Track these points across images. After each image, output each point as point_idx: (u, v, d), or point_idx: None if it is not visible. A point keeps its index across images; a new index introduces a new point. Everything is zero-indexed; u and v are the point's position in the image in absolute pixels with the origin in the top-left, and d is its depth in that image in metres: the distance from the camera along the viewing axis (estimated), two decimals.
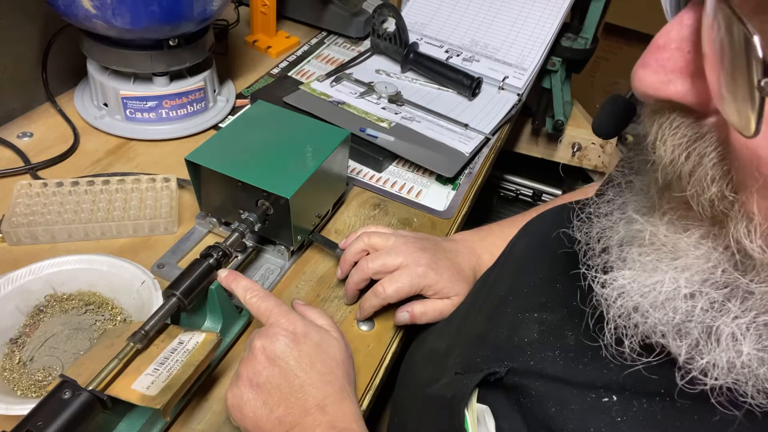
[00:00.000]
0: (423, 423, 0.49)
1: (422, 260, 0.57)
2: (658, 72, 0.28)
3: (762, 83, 0.22)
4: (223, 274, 0.54)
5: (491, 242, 0.64)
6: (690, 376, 0.30)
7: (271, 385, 0.45)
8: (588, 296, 0.36)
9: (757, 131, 0.24)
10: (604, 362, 0.36)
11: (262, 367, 0.46)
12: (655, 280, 0.31)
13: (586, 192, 0.68)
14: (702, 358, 0.29)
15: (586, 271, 0.36)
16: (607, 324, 0.34)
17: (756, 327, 0.28)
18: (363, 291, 0.60)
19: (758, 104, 0.23)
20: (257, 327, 0.51)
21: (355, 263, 0.60)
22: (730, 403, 0.30)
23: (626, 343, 0.33)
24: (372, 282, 0.59)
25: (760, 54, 0.22)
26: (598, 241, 0.37)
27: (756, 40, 0.22)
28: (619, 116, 0.38)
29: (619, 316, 0.33)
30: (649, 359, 0.33)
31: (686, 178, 0.29)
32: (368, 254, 0.60)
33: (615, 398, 0.34)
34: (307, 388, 0.46)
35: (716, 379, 0.29)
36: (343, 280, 0.63)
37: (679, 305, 0.30)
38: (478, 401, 0.41)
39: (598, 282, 0.35)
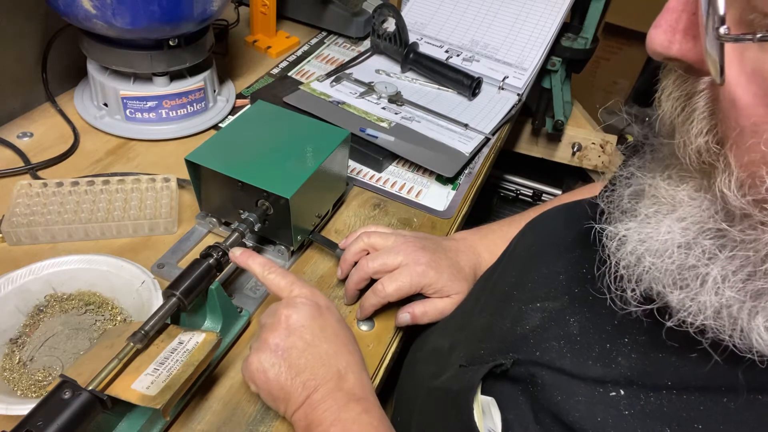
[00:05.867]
0: (428, 417, 0.49)
1: (422, 259, 0.57)
2: (667, 32, 0.30)
3: (720, 30, 0.25)
4: (238, 252, 0.55)
5: (491, 241, 0.64)
6: (677, 316, 0.32)
7: (298, 351, 0.47)
8: (599, 273, 0.37)
9: (722, 78, 0.27)
10: (612, 357, 0.37)
11: (288, 333, 0.48)
12: (652, 229, 0.34)
13: (585, 192, 0.68)
14: (691, 302, 0.31)
15: (599, 227, 0.38)
16: (613, 273, 0.36)
17: (740, 272, 0.30)
18: (363, 291, 0.61)
19: (718, 51, 0.26)
20: (259, 324, 0.51)
21: (355, 263, 0.61)
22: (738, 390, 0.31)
23: (629, 294, 0.35)
24: (372, 282, 0.59)
25: (721, 6, 0.25)
26: (618, 203, 0.39)
27: None
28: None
29: (624, 267, 0.35)
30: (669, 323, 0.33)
31: (678, 129, 0.31)
32: (368, 254, 0.60)
33: (623, 392, 0.35)
34: (332, 355, 0.48)
35: (705, 320, 0.31)
36: (343, 280, 0.63)
37: (674, 253, 0.32)
38: (483, 393, 0.42)
39: (605, 236, 0.37)
